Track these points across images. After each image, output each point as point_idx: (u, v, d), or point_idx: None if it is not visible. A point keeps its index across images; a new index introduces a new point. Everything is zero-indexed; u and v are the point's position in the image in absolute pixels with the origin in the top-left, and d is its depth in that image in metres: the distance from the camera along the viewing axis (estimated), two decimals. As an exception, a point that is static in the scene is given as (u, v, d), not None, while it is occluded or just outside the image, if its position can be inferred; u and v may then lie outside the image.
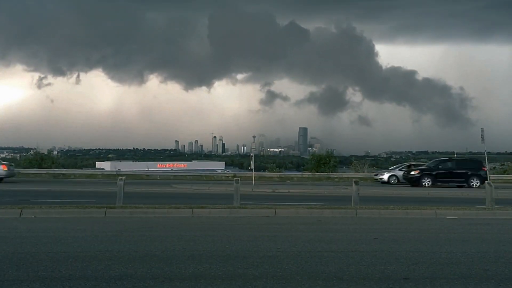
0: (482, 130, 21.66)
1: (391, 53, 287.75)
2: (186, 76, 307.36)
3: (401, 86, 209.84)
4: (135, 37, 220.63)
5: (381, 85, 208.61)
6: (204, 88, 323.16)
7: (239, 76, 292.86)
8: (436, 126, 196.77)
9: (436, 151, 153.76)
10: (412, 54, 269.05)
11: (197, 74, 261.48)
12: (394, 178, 30.93)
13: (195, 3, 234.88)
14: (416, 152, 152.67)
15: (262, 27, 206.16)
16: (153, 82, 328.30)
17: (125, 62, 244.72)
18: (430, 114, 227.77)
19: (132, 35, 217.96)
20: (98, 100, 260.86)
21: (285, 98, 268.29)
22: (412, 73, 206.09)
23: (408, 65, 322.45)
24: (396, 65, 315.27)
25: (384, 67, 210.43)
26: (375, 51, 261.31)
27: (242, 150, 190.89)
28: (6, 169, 25.00)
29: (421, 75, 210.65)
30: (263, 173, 38.77)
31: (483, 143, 21.46)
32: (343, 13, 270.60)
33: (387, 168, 36.13)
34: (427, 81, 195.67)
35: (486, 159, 23.53)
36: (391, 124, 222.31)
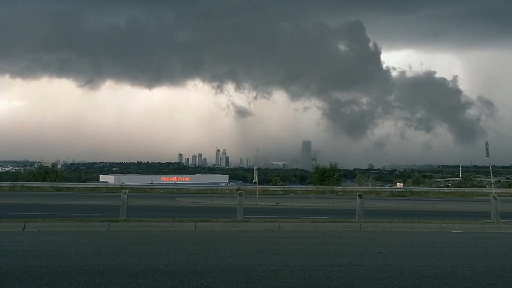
0: (487, 144, 21.55)
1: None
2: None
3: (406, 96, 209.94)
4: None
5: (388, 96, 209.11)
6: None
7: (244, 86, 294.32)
8: (441, 140, 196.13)
9: (441, 165, 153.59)
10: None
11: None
12: None
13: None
14: (420, 165, 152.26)
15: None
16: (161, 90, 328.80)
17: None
18: (434, 128, 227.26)
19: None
20: (102, 113, 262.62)
21: (287, 110, 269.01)
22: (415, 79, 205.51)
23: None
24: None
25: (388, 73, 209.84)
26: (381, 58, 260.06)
27: (245, 163, 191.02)
28: None
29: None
30: (267, 186, 38.69)
31: (488, 156, 21.35)
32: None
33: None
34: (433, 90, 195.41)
35: (491, 173, 23.39)
36: (394, 138, 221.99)
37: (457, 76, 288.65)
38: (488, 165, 22.53)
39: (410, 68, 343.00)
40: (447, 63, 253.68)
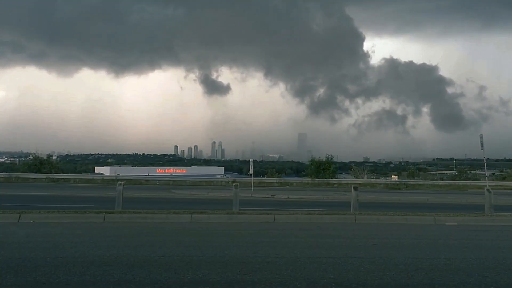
0: (481, 137, 21.59)
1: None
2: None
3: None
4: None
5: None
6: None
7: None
8: (435, 133, 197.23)
9: (436, 158, 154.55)
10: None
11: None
12: None
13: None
14: (415, 158, 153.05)
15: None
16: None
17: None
18: (427, 120, 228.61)
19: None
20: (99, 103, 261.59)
21: (283, 102, 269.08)
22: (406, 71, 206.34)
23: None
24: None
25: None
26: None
27: (241, 155, 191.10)
28: None
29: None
30: (263, 178, 38.75)
31: (483, 149, 21.41)
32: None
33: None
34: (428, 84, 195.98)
35: (485, 166, 23.50)
36: (388, 130, 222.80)
37: (446, 67, 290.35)
38: (483, 158, 22.61)
39: (394, 57, 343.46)
40: (442, 54, 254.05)
